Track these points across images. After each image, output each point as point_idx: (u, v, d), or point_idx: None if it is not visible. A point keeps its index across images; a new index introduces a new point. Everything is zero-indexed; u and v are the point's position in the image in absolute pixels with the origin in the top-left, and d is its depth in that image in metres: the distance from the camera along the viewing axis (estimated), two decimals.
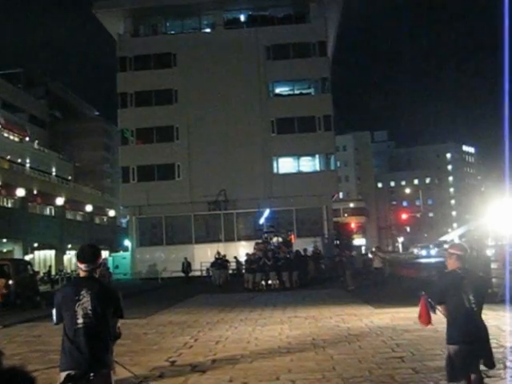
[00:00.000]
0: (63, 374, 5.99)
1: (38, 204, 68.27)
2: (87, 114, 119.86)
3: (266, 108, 59.14)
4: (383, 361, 11.45)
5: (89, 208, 77.84)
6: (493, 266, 27.89)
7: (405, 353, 11.98)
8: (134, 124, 59.99)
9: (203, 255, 51.51)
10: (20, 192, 58.93)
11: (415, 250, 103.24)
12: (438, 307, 7.47)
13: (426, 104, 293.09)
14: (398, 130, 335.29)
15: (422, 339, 13.52)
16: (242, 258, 41.57)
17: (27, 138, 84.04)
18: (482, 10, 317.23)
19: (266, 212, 48.52)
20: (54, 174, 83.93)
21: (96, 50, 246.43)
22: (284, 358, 12.35)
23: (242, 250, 49.08)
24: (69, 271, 64.31)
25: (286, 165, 60.30)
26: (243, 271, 42.00)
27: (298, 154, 60.05)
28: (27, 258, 55.20)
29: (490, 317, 16.09)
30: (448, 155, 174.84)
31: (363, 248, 65.74)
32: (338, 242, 62.63)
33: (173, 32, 63.91)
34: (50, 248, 69.06)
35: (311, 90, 62.81)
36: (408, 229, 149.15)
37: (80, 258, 6.41)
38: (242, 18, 64.31)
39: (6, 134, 77.63)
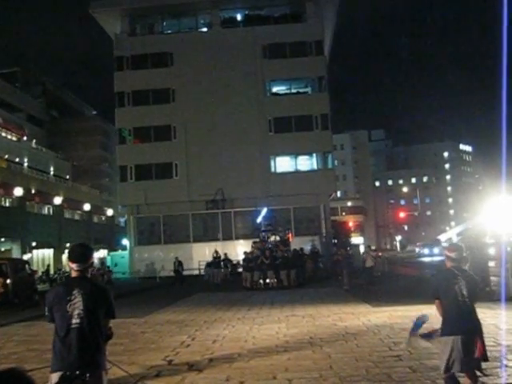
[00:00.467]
0: (54, 375, 5.96)
1: (36, 203, 68.13)
2: (85, 114, 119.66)
3: (263, 107, 59.17)
4: (380, 359, 11.45)
5: (87, 207, 77.72)
6: (490, 264, 27.86)
7: (402, 351, 11.97)
8: (131, 123, 59.95)
9: (201, 254, 51.53)
10: (18, 191, 58.81)
11: (416, 249, 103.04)
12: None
13: (423, 103, 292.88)
14: (396, 129, 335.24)
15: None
16: (240, 257, 41.55)
17: (25, 138, 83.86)
18: (480, 10, 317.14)
19: (264, 211, 48.46)
20: (51, 173, 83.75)
21: (93, 49, 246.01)
22: (281, 357, 12.34)
23: (240, 249, 49.16)
24: (67, 270, 64.21)
25: (283, 164, 60.30)
26: (238, 270, 42.27)
27: (295, 153, 60.04)
28: (25, 257, 55.20)
29: (488, 315, 16.13)
30: (445, 154, 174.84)
31: (361, 247, 65.55)
32: (335, 241, 62.61)
33: (170, 31, 63.87)
34: (49, 247, 68.98)
35: (308, 89, 62.79)
36: (406, 227, 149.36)
37: (71, 257, 6.38)
38: (239, 17, 64.33)
39: (3, 134, 77.47)
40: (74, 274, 6.37)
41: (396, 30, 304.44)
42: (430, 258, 67.03)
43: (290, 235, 46.12)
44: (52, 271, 60.50)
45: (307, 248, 45.76)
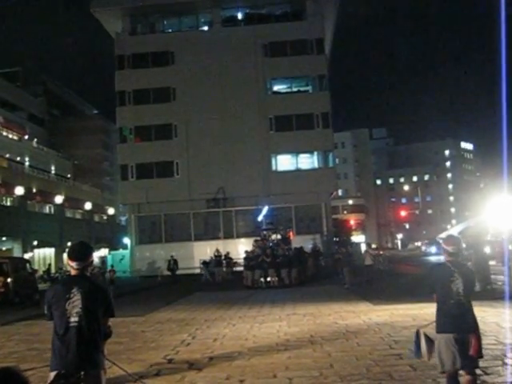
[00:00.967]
0: (53, 374, 5.95)
1: (37, 202, 68.12)
2: (86, 112, 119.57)
3: (264, 105, 59.18)
4: (381, 358, 11.40)
5: (88, 206, 77.62)
6: (491, 262, 27.84)
7: (403, 350, 11.92)
8: (132, 122, 59.99)
9: (202, 253, 51.54)
10: (19, 190, 58.80)
11: (422, 247, 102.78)
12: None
13: (424, 101, 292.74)
14: (397, 127, 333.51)
15: None
16: (242, 256, 41.51)
17: (26, 137, 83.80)
18: (481, 8, 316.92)
19: (265, 209, 48.53)
20: (53, 172, 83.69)
21: (94, 48, 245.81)
22: (281, 356, 12.30)
23: (241, 248, 49.22)
24: (68, 269, 64.18)
25: (284, 162, 60.35)
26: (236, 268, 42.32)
27: (296, 152, 60.08)
28: (27, 256, 55.14)
29: (490, 313, 16.12)
30: (446, 152, 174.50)
31: (363, 245, 65.46)
32: (337, 239, 62.62)
33: (170, 30, 64.01)
34: (50, 246, 68.94)
35: (309, 88, 62.80)
36: (407, 226, 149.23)
37: (71, 255, 6.36)
38: (240, 15, 64.37)
39: (4, 133, 77.41)
40: (73, 273, 6.36)
41: (397, 28, 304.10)
42: (437, 257, 66.37)
43: (291, 233, 46.15)
44: (53, 270, 60.53)
45: (308, 246, 45.73)
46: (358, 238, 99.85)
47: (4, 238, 58.51)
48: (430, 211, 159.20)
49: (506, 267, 23.63)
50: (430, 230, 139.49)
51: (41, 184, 71.40)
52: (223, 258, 46.11)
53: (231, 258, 47.18)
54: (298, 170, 59.43)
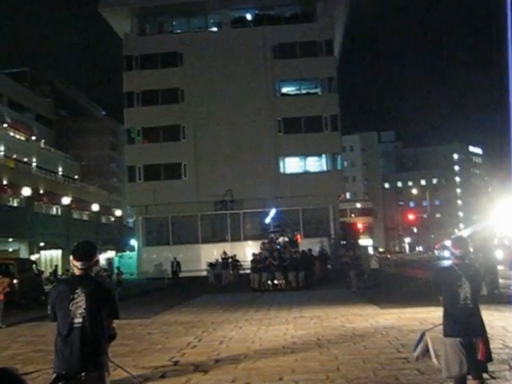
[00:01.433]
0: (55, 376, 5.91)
1: (44, 203, 68.04)
2: (94, 113, 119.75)
3: (272, 108, 59.05)
4: (388, 361, 11.35)
5: (95, 207, 77.60)
6: (499, 267, 27.74)
7: (410, 353, 11.83)
8: (140, 123, 59.91)
9: (209, 255, 51.42)
10: (26, 191, 58.76)
11: (435, 251, 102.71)
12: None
13: (433, 105, 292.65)
14: (406, 131, 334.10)
15: None
16: (249, 258, 41.40)
17: (33, 137, 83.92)
18: (492, 10, 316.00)
19: (273, 212, 48.42)
20: (60, 173, 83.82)
21: (103, 48, 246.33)
22: (288, 359, 12.24)
23: (248, 250, 49.03)
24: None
25: (292, 165, 60.25)
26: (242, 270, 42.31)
27: (304, 154, 59.97)
28: (33, 257, 55.09)
29: (497, 317, 16.04)
30: (455, 156, 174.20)
31: (370, 249, 65.14)
32: (344, 243, 62.41)
33: (179, 31, 63.92)
34: (57, 248, 68.93)
35: (318, 90, 62.58)
36: (415, 229, 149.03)
37: (75, 255, 6.25)
38: (249, 16, 64.22)
39: (12, 133, 77.51)
40: (77, 273, 6.25)
41: (406, 30, 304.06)
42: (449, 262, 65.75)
43: (299, 236, 46.11)
44: (60, 272, 60.54)
45: (316, 249, 45.63)
46: (365, 241, 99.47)
47: (11, 239, 58.51)
48: (438, 215, 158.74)
49: None
50: (438, 234, 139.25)
51: (48, 185, 71.50)
52: (230, 260, 46.05)
53: (238, 261, 47.12)
54: (306, 173, 59.30)
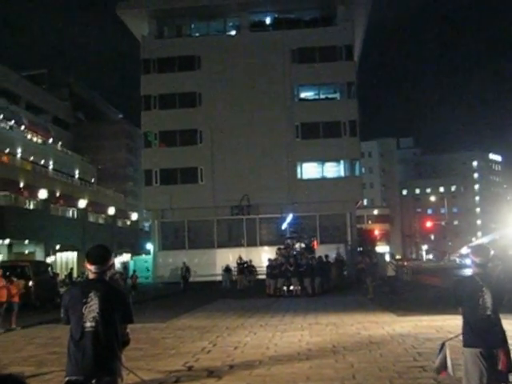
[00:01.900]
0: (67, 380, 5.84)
1: (60, 206, 68.29)
2: (111, 116, 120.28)
3: (290, 112, 58.89)
4: (404, 370, 11.21)
5: (111, 211, 77.79)
6: None
7: (426, 362, 11.71)
8: (157, 127, 59.93)
9: (225, 260, 51.33)
10: (42, 194, 58.96)
11: (457, 259, 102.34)
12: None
13: (453, 111, 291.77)
14: (424, 137, 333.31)
15: None
16: (265, 264, 41.31)
17: (50, 140, 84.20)
18: None
19: (290, 217, 48.28)
20: (76, 176, 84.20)
21: (120, 51, 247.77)
22: (303, 365, 12.13)
23: (264, 256, 48.95)
24: None
25: (310, 170, 60.07)
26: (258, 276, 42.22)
27: (322, 160, 59.76)
28: (49, 260, 55.25)
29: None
30: (474, 163, 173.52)
31: (387, 255, 64.93)
32: (361, 249, 62.18)
33: (197, 34, 63.89)
34: (72, 250, 69.05)
35: (337, 95, 62.37)
36: (432, 237, 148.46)
37: (90, 259, 6.17)
38: (268, 20, 64.05)
39: (29, 136, 77.81)
40: (91, 276, 6.17)
41: (427, 36, 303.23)
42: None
43: (315, 243, 45.91)
44: (75, 274, 60.64)
45: (332, 256, 45.47)
46: (382, 248, 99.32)
47: (26, 242, 58.65)
48: (456, 222, 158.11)
49: None
50: (455, 242, 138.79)
51: (64, 188, 71.79)
52: (246, 265, 45.98)
53: (254, 266, 47.06)
54: (323, 179, 59.10)
